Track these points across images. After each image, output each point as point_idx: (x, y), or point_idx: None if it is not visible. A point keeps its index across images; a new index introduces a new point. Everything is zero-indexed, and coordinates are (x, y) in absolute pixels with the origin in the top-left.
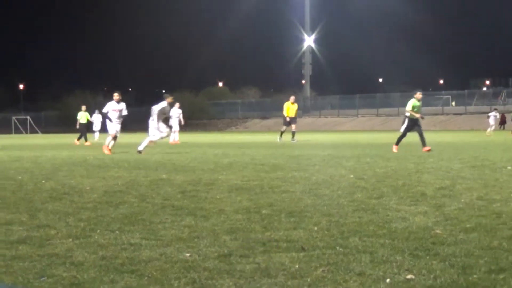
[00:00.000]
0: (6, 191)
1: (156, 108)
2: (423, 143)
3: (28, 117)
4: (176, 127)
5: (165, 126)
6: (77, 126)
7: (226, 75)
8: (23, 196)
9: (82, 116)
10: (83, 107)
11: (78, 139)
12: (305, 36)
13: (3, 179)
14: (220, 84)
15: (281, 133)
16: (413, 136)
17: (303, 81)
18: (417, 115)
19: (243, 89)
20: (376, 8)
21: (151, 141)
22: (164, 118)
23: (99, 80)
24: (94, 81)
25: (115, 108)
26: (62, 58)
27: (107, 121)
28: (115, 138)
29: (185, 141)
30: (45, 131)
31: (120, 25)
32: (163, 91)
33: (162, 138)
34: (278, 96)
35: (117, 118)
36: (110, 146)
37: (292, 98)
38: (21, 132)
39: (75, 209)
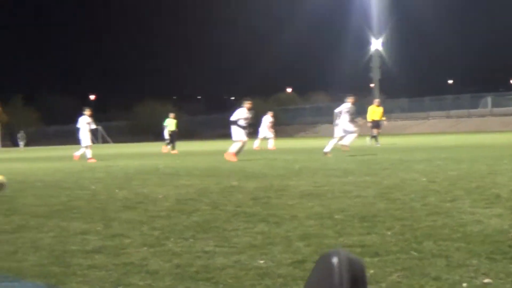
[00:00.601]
0: (81, 200)
1: (339, 110)
2: None
3: (99, 127)
4: (269, 134)
5: (353, 126)
6: (168, 133)
7: (294, 81)
8: (97, 205)
9: (170, 123)
10: (172, 115)
11: (167, 145)
12: (373, 39)
13: (78, 189)
14: (289, 90)
15: (375, 137)
16: (485, 138)
17: (372, 85)
18: None
19: (311, 94)
20: (443, 8)
21: (343, 145)
22: (351, 118)
23: (168, 89)
24: (163, 90)
25: (246, 116)
26: (131, 67)
27: (235, 128)
28: (244, 144)
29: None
30: (116, 140)
31: (187, 34)
32: (232, 98)
33: (352, 137)
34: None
35: (246, 126)
36: (235, 151)
37: (377, 101)
38: (92, 142)
39: (148, 218)
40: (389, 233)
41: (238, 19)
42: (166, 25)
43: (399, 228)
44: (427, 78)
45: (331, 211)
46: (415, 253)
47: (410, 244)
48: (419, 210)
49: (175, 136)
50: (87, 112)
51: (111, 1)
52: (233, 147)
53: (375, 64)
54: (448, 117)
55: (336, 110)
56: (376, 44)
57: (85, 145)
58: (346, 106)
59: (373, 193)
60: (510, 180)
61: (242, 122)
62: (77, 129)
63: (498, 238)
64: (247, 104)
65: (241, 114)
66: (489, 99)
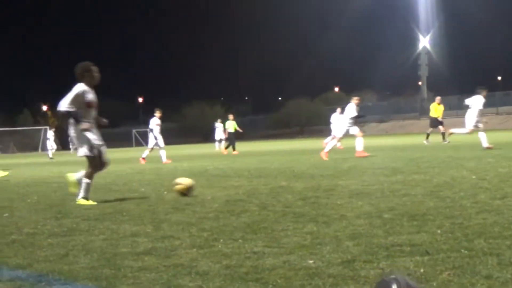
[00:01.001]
0: (131, 203)
1: (471, 103)
2: None
3: (148, 130)
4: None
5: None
6: (226, 135)
7: (341, 80)
8: (146, 208)
9: (230, 125)
10: (231, 116)
11: (226, 148)
12: (420, 37)
13: (127, 192)
14: (336, 89)
15: (427, 135)
16: None
17: (420, 83)
18: None
19: (358, 93)
20: (491, 4)
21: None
22: (480, 113)
23: (216, 91)
24: (211, 91)
25: (355, 112)
26: (179, 69)
27: (340, 125)
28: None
29: (303, 148)
30: (165, 142)
31: (235, 36)
32: (279, 98)
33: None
34: (394, 98)
35: (353, 123)
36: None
37: (438, 98)
38: (141, 145)
39: (197, 219)
40: (439, 231)
41: (284, 19)
42: (213, 28)
43: (449, 226)
44: (475, 74)
45: (380, 210)
46: (466, 252)
47: (460, 243)
48: (469, 208)
49: (233, 138)
50: (157, 113)
51: (158, 5)
52: (358, 144)
53: (423, 62)
54: (497, 114)
55: (467, 102)
56: (424, 42)
57: (150, 146)
58: (479, 99)
59: (422, 191)
60: None
61: (351, 118)
62: (151, 130)
63: None
64: (355, 100)
65: (352, 110)
66: None
